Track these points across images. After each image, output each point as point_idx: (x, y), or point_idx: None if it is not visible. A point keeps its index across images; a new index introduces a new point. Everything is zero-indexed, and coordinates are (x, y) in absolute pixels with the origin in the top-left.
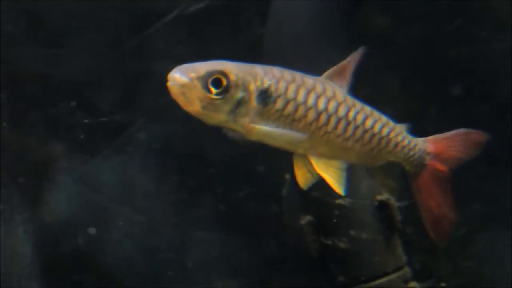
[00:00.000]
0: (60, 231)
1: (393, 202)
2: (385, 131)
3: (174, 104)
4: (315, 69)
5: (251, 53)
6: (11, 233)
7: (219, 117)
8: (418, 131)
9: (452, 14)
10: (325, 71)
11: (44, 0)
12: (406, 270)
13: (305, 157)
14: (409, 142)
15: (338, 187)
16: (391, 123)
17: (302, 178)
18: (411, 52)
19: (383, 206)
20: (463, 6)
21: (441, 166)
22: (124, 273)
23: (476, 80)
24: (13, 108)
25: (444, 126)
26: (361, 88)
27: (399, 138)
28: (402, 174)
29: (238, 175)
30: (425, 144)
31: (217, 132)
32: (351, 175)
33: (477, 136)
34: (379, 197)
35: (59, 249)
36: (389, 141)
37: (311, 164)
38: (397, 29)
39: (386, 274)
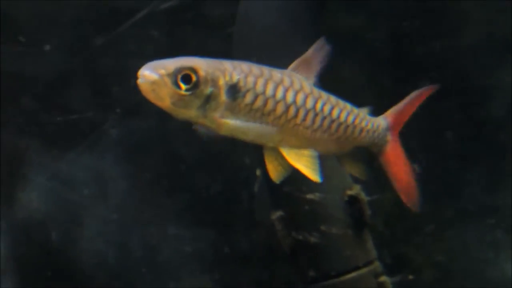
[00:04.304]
0: (33, 228)
1: (363, 196)
2: (350, 119)
3: (146, 101)
4: (284, 65)
5: (221, 50)
6: None
7: (189, 113)
8: None
9: (417, 10)
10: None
11: None
12: (377, 265)
13: (276, 151)
14: (373, 125)
15: (313, 174)
16: (355, 110)
17: (274, 172)
18: (379, 48)
19: (353, 200)
20: (430, 2)
21: (396, 134)
22: (97, 270)
23: (442, 76)
24: None
25: (410, 122)
26: (328, 84)
27: (364, 123)
28: (369, 163)
29: (210, 172)
30: (386, 121)
31: (189, 129)
32: (321, 167)
33: (426, 90)
34: (349, 192)
35: (32, 246)
36: (354, 127)
37: (282, 157)
38: (365, 25)
39: (357, 268)
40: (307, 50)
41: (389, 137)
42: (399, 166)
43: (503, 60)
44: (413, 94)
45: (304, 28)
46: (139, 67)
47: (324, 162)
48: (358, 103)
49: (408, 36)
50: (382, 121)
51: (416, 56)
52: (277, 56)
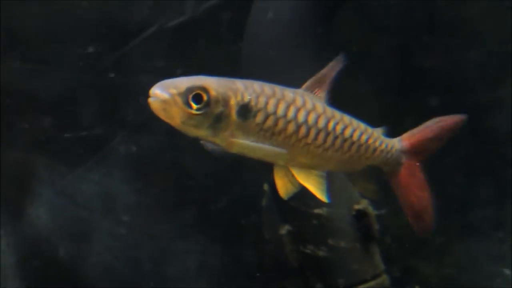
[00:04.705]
0: (41, 243)
1: (371, 211)
2: (363, 138)
3: (154, 118)
4: (292, 80)
5: (231, 66)
6: None
7: (199, 132)
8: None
9: (427, 24)
10: (301, 81)
11: (24, 15)
12: (384, 278)
13: (285, 168)
14: (386, 146)
15: (321, 194)
16: (369, 129)
17: (283, 188)
18: (387, 62)
19: (361, 215)
20: (438, 16)
21: (415, 160)
22: (105, 285)
23: (450, 90)
24: None
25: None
26: (335, 98)
27: (377, 143)
28: (380, 180)
29: (218, 187)
30: (401, 144)
31: (197, 144)
32: (329, 184)
33: (453, 120)
34: (356, 206)
35: (41, 261)
36: (367, 147)
37: (291, 174)
38: (373, 39)
39: (364, 281)
40: (316, 64)
41: (404, 159)
42: (411, 191)
43: (509, 73)
44: (435, 120)
45: (313, 42)
46: (148, 84)
47: (332, 177)
48: (363, 117)
49: (414, 50)
50: (396, 143)
51: (423, 70)
52: (286, 69)
